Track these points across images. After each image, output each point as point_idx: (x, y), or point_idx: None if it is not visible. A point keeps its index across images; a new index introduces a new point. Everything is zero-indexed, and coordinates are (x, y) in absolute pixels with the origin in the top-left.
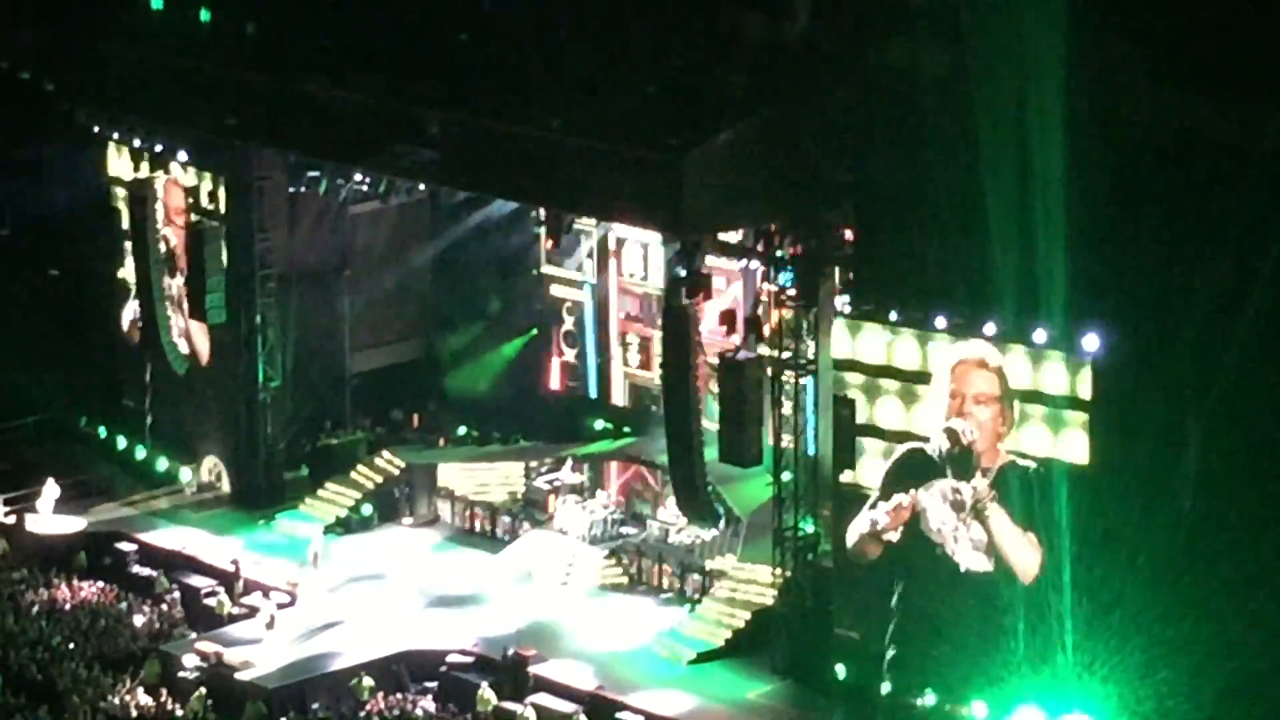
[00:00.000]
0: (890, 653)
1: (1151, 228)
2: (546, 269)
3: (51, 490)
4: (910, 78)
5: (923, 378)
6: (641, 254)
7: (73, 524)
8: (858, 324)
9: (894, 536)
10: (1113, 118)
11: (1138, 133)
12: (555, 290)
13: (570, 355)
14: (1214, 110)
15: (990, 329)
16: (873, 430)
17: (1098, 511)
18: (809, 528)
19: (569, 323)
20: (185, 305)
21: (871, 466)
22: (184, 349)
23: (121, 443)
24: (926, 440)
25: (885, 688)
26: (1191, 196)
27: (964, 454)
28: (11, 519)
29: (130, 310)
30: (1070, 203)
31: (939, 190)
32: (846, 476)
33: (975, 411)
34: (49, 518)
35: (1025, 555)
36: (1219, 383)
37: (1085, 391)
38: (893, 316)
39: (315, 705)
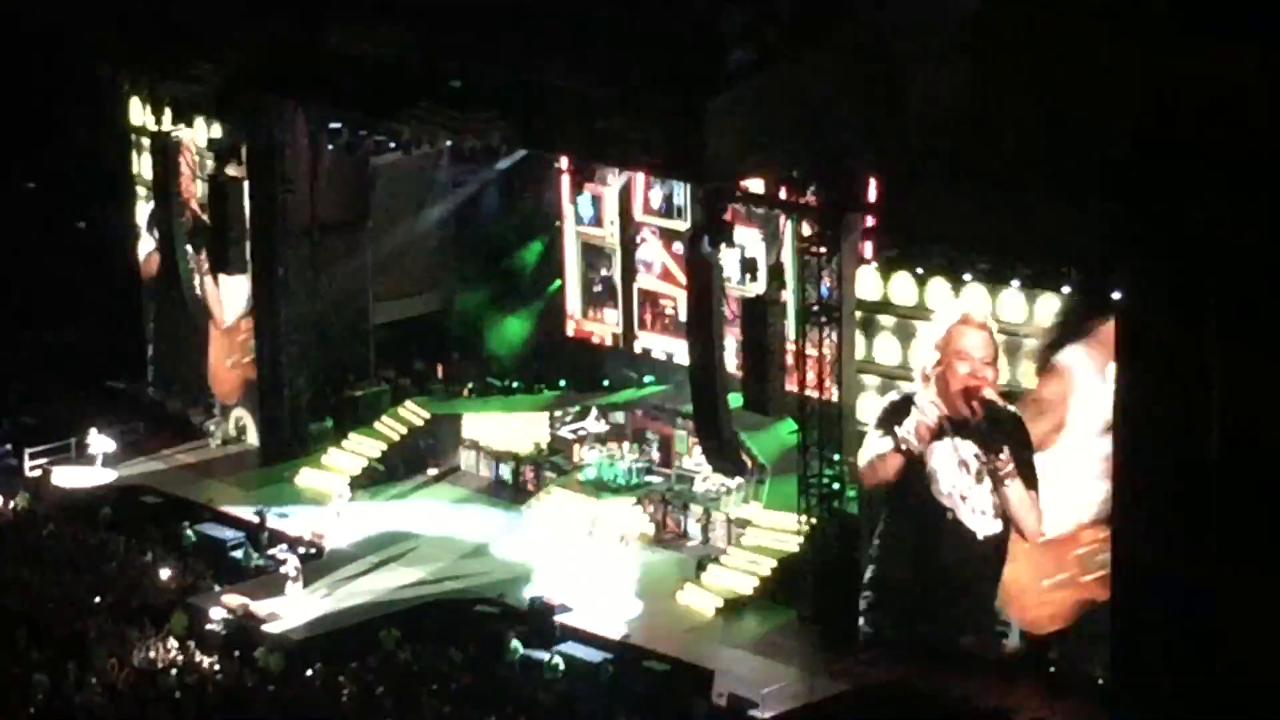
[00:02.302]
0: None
1: (1180, 175)
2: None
3: (99, 441)
4: (934, 22)
5: (919, 313)
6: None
7: (99, 477)
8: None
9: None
10: (1142, 65)
11: (1167, 80)
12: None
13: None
14: (1244, 59)
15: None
16: (871, 367)
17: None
18: (833, 475)
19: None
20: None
21: (870, 403)
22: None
23: (147, 395)
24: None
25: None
26: (1220, 144)
27: (995, 423)
28: (38, 473)
29: (150, 259)
30: (1098, 150)
31: (963, 137)
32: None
33: (986, 374)
34: (95, 470)
35: (1032, 516)
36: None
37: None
38: (918, 265)
39: (342, 657)
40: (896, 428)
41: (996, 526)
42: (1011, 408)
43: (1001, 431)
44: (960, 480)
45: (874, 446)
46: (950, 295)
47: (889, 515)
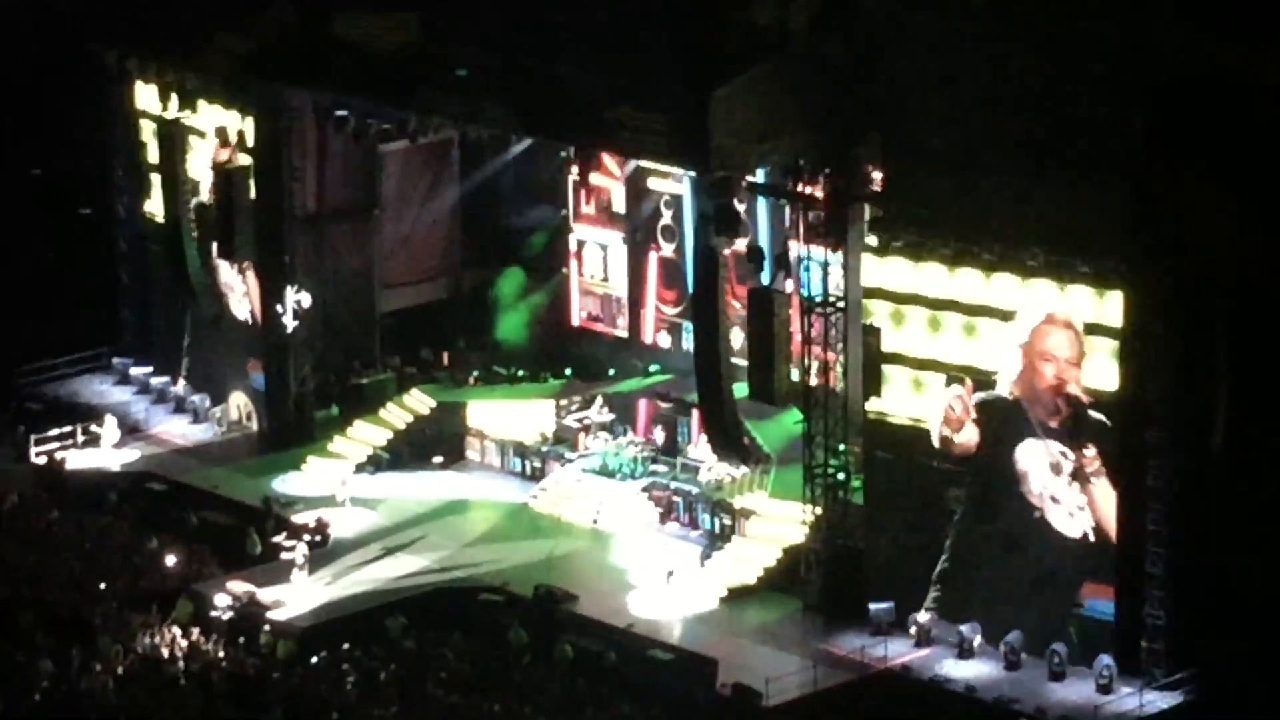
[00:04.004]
0: (934, 592)
1: (1185, 164)
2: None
3: (111, 427)
4: (939, 10)
5: (948, 305)
6: None
7: (105, 463)
8: (884, 254)
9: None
10: (1146, 57)
11: (1176, 73)
12: (652, 183)
13: (669, 250)
14: (1244, 52)
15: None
16: (898, 358)
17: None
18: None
19: (667, 216)
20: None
21: (897, 395)
22: (215, 290)
23: (153, 381)
24: (977, 374)
25: (924, 618)
26: (1228, 137)
27: (1080, 419)
28: (43, 459)
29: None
30: (1103, 138)
31: (967, 126)
32: (872, 404)
33: (1071, 375)
34: (109, 453)
35: (1109, 511)
36: (1249, 317)
37: (1114, 320)
38: (921, 253)
39: (346, 644)
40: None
41: (1087, 528)
42: (1092, 409)
43: (1087, 428)
44: (1051, 481)
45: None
46: (983, 287)
47: (974, 512)
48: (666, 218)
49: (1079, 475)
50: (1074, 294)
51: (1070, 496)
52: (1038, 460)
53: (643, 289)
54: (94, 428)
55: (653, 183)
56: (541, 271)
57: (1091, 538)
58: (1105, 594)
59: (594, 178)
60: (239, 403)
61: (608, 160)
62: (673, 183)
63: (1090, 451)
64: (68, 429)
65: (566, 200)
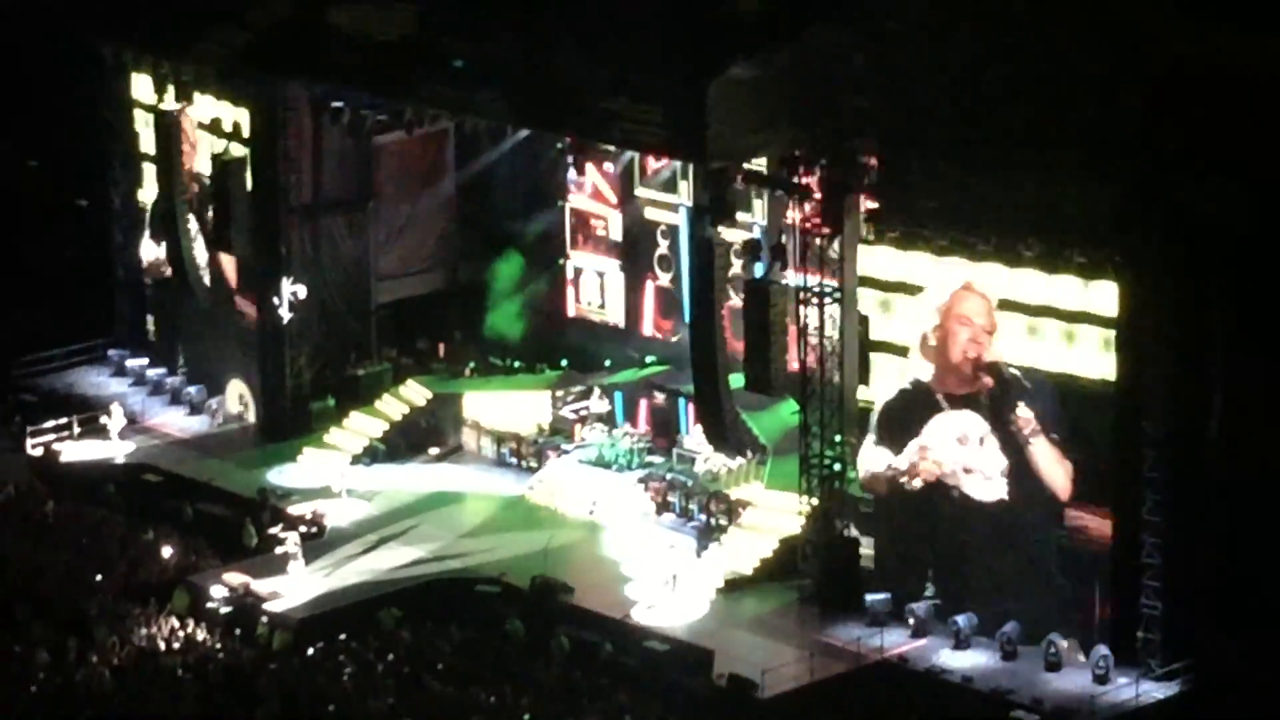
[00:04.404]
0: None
1: (1180, 153)
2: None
3: (119, 417)
4: (935, 2)
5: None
6: None
7: (101, 455)
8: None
9: (917, 484)
10: (1141, 46)
11: (1172, 61)
12: (649, 213)
13: (665, 279)
14: (1240, 41)
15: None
16: (886, 347)
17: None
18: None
19: (663, 246)
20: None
21: (884, 384)
22: (208, 280)
23: (149, 373)
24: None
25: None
26: (1224, 126)
27: (1005, 385)
28: (39, 450)
29: (148, 242)
30: (1097, 127)
31: (963, 116)
32: (861, 393)
33: (986, 341)
34: (116, 444)
35: (1060, 472)
36: (1245, 306)
37: (1105, 307)
38: (918, 243)
39: (342, 635)
40: (890, 440)
41: (1002, 490)
42: (1015, 370)
43: (1014, 392)
44: (960, 454)
45: (870, 459)
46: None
47: (890, 505)
48: (663, 248)
49: (1017, 440)
50: (1066, 284)
51: (984, 462)
52: (941, 435)
53: (639, 318)
54: (103, 419)
55: (650, 213)
56: (539, 260)
57: (1008, 498)
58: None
59: (588, 203)
60: (239, 392)
61: (604, 189)
62: (669, 213)
63: (1025, 414)
64: (64, 420)
65: (564, 191)
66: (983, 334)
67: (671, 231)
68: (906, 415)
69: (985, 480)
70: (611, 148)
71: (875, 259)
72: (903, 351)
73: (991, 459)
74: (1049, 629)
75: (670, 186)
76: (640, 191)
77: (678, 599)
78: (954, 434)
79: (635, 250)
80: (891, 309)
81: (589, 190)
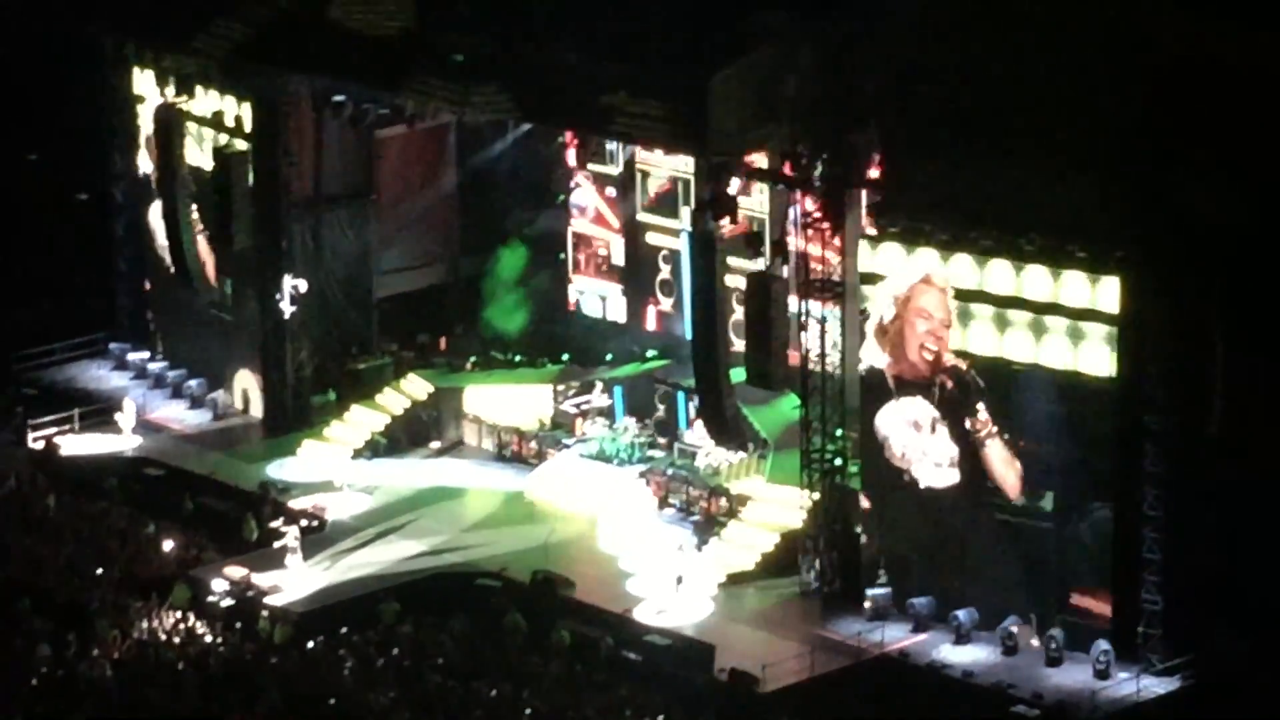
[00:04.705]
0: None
1: (1181, 149)
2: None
3: (131, 412)
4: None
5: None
6: None
7: (102, 448)
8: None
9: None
10: (1142, 42)
11: (1173, 57)
12: (650, 238)
13: (666, 305)
14: (1241, 36)
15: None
16: None
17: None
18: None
19: (665, 271)
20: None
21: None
22: (210, 273)
23: (151, 366)
24: None
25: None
26: (1225, 122)
27: (965, 387)
28: (40, 444)
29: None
30: (1099, 124)
31: (965, 112)
32: None
33: (944, 335)
34: (128, 438)
35: (1013, 474)
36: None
37: (1108, 304)
38: (919, 238)
39: (343, 629)
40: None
41: (954, 477)
42: (972, 372)
43: (973, 394)
44: (913, 439)
45: None
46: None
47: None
48: (665, 272)
49: (973, 440)
50: (1070, 280)
51: (935, 449)
52: (895, 421)
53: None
54: (116, 416)
55: (651, 238)
56: (541, 254)
57: (960, 481)
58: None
59: (590, 228)
60: (243, 386)
61: (606, 211)
62: (671, 238)
63: (983, 415)
64: (65, 414)
65: (565, 186)
66: (941, 328)
67: (673, 256)
68: (863, 402)
69: (936, 467)
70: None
71: (882, 256)
72: None
73: (942, 446)
74: (1010, 612)
75: (672, 211)
76: (641, 216)
77: (685, 601)
78: (907, 419)
79: (637, 275)
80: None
81: (591, 214)
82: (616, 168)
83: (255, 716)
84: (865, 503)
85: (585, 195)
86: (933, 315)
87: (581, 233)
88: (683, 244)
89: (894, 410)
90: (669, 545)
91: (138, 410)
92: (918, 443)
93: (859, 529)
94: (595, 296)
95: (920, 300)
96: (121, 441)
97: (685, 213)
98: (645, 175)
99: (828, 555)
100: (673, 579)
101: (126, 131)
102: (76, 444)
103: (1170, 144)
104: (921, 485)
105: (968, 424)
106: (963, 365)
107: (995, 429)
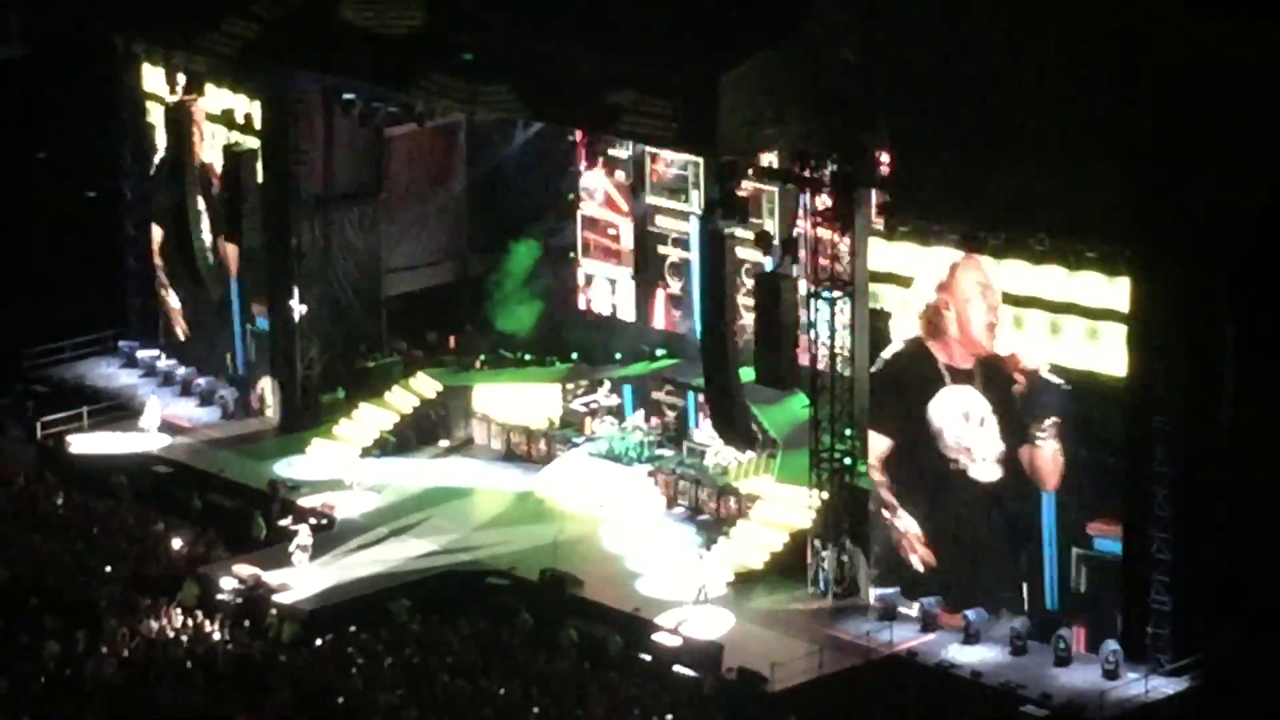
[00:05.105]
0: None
1: (1191, 148)
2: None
3: (155, 407)
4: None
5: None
6: None
7: (112, 447)
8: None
9: None
10: (1151, 40)
11: (1176, 55)
12: (661, 221)
13: (675, 288)
14: (1250, 33)
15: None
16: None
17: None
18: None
19: (674, 255)
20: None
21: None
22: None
23: (160, 364)
24: None
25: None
26: (1233, 119)
27: (1035, 393)
28: (50, 441)
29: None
30: (1108, 123)
31: (974, 111)
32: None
33: (1000, 314)
34: (153, 435)
35: (1055, 470)
36: (1255, 301)
37: (1122, 304)
38: (930, 237)
39: (352, 627)
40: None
41: (998, 473)
42: (1057, 379)
43: (1048, 398)
44: (965, 430)
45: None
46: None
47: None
48: (674, 256)
49: (1025, 436)
50: (1082, 279)
51: (984, 442)
52: (950, 411)
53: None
54: (141, 421)
55: (661, 220)
56: (551, 254)
57: (1004, 477)
58: (1113, 532)
59: (600, 211)
60: (263, 387)
61: (615, 196)
62: (680, 220)
63: (1050, 420)
64: (74, 411)
65: (576, 184)
66: (996, 300)
67: (682, 240)
68: (906, 377)
69: (981, 461)
70: (621, 141)
71: (895, 255)
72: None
73: (989, 441)
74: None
75: (680, 194)
76: (651, 199)
77: (708, 612)
78: (959, 409)
79: (646, 258)
80: (910, 306)
81: (600, 198)
82: (626, 150)
83: (263, 714)
84: (887, 496)
85: (595, 179)
86: (987, 287)
87: (591, 216)
88: (692, 227)
89: (947, 398)
90: (690, 555)
91: (143, 408)
92: (966, 434)
93: (872, 524)
94: (604, 280)
95: (967, 279)
96: (146, 440)
97: (695, 196)
98: (654, 157)
99: (836, 554)
100: (694, 589)
101: (137, 129)
102: (86, 441)
103: (1180, 143)
104: (970, 475)
105: (1031, 425)
106: (1043, 368)
107: (1055, 435)
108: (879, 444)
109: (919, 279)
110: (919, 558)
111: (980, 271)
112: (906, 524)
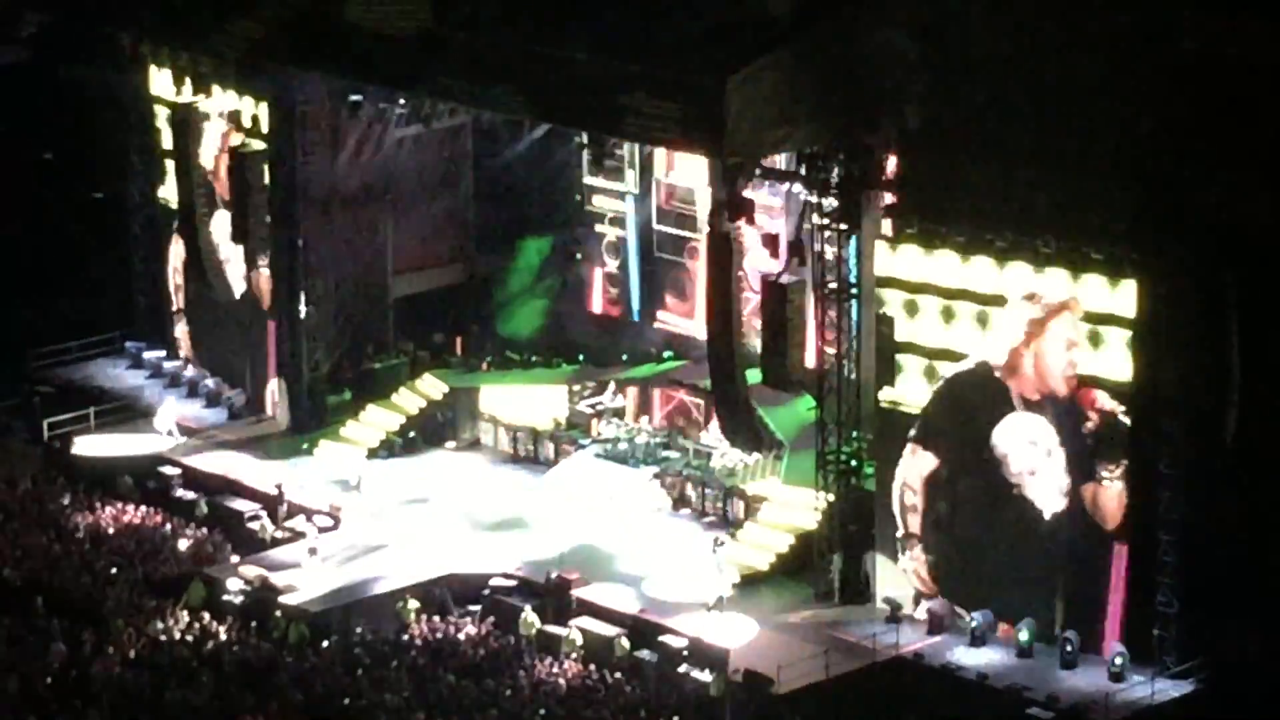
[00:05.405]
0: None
1: (1197, 150)
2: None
3: (171, 408)
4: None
5: (960, 295)
6: None
7: (118, 447)
8: (898, 242)
9: None
10: (1157, 42)
11: (1182, 57)
12: (598, 201)
13: (612, 265)
14: (1257, 34)
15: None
16: (912, 347)
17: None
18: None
19: (611, 235)
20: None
21: (911, 384)
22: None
23: (167, 365)
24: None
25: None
26: (1241, 124)
27: (1111, 434)
28: (57, 442)
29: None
30: (1113, 126)
31: (982, 113)
32: (886, 394)
33: (1078, 360)
34: (170, 437)
35: (1117, 509)
36: (1262, 305)
37: (1127, 309)
38: (936, 240)
39: (359, 629)
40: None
41: (1062, 505)
42: (1126, 420)
43: (1119, 441)
44: (1031, 457)
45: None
46: (995, 276)
47: (962, 476)
48: (611, 235)
49: (1093, 476)
50: (1087, 282)
51: (1050, 472)
52: (1015, 438)
53: (654, 301)
54: (156, 422)
55: (598, 200)
56: (557, 255)
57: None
58: None
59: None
60: (271, 388)
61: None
62: (616, 200)
63: (1119, 465)
64: (81, 412)
65: (583, 185)
66: (1077, 352)
67: (619, 219)
68: (970, 397)
69: (1046, 492)
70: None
71: (900, 259)
72: (929, 353)
73: (1056, 474)
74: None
75: (617, 174)
76: (588, 180)
77: (727, 621)
78: (1027, 436)
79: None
80: (918, 310)
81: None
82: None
83: (269, 715)
84: (911, 523)
85: None
86: (1074, 342)
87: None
88: (628, 206)
89: (1015, 424)
90: (705, 549)
91: (151, 409)
92: (1033, 462)
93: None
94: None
95: (1059, 327)
96: (161, 442)
97: (630, 176)
98: None
99: (843, 556)
100: (713, 599)
101: (143, 130)
102: (93, 442)
103: (1188, 146)
104: (1033, 502)
105: (1099, 465)
106: (1119, 410)
107: (1122, 476)
108: (922, 463)
109: (1010, 316)
110: (920, 584)
111: (1072, 327)
112: (916, 558)
